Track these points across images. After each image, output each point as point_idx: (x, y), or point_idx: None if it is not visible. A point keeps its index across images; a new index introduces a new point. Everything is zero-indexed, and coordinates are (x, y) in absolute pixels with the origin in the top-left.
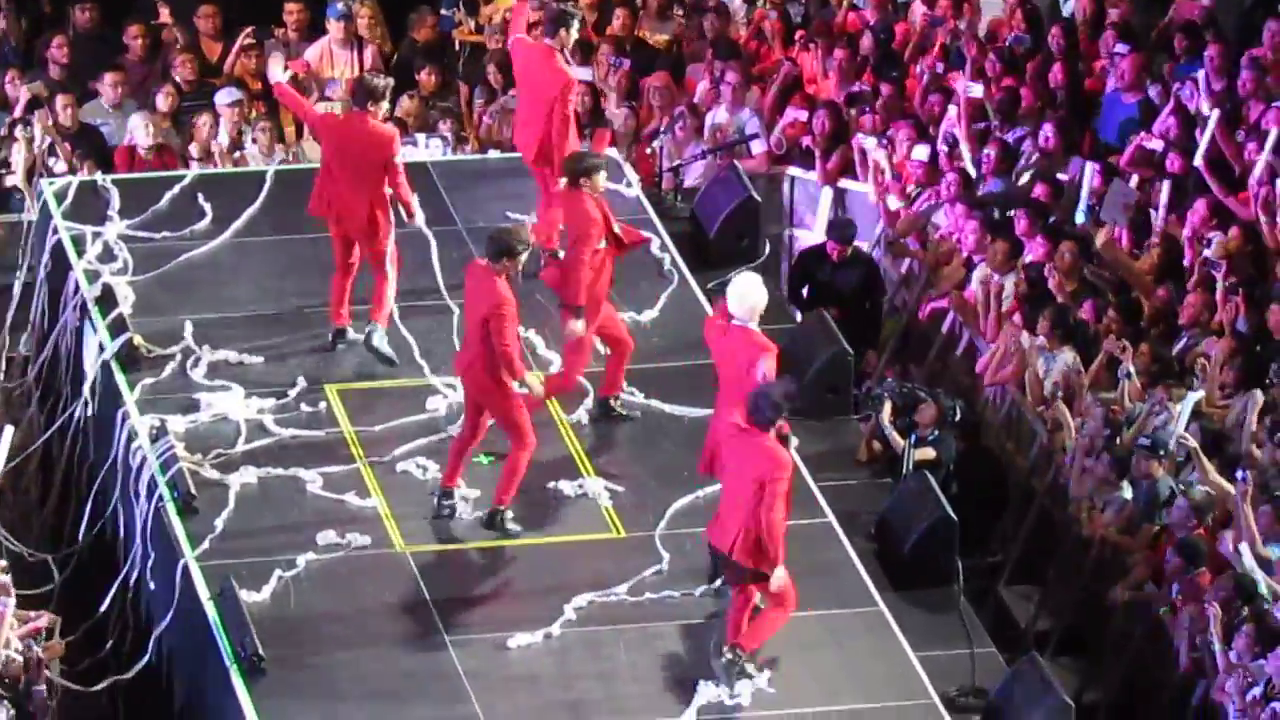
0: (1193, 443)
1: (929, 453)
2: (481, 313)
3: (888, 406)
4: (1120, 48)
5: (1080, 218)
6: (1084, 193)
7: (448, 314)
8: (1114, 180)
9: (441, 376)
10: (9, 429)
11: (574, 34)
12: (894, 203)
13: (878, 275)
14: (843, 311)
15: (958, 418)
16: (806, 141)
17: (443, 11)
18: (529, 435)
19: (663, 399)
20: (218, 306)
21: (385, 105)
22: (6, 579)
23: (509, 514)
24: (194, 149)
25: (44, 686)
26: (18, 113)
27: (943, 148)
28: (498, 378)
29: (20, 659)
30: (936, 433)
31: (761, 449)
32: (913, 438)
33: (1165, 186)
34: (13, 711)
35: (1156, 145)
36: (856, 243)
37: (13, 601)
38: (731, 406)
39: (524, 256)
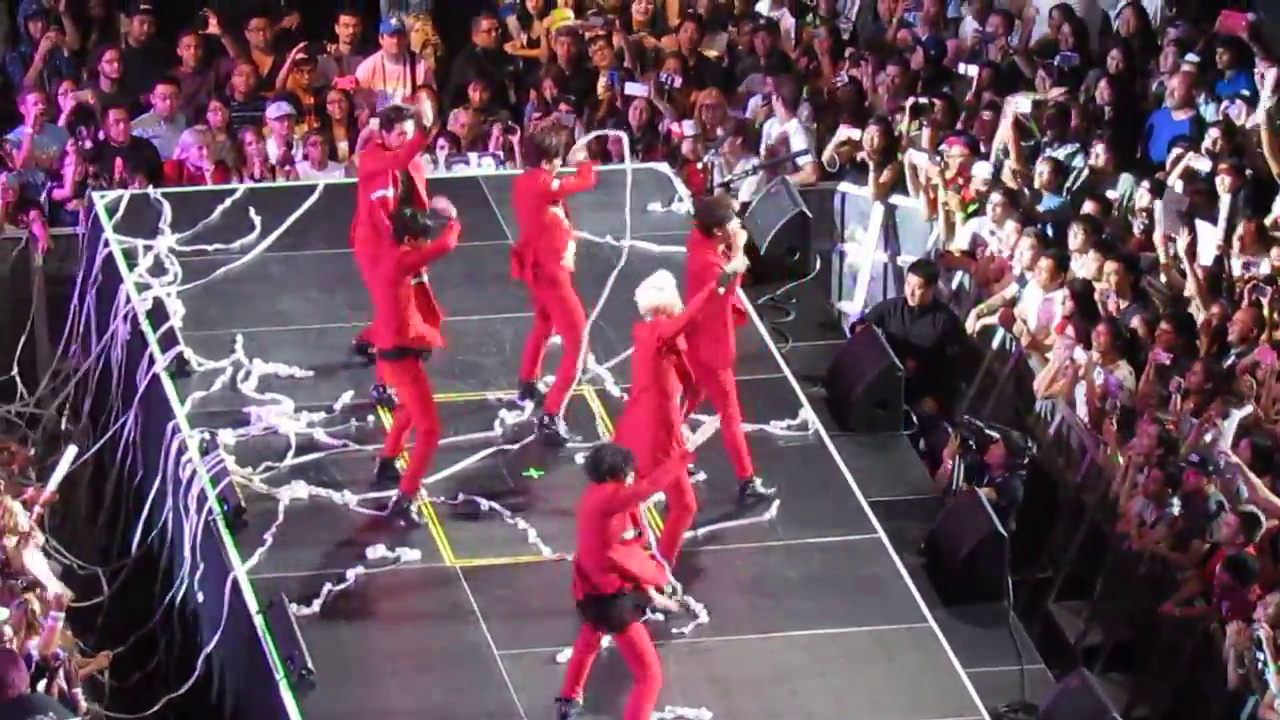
0: (1235, 459)
1: (992, 495)
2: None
3: (954, 442)
4: (1189, 57)
5: None
6: None
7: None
8: (1165, 190)
9: (491, 392)
10: (72, 448)
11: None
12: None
13: (956, 325)
14: (919, 364)
15: (1026, 460)
16: (859, 156)
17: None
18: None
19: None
20: (268, 320)
21: (559, 163)
22: (62, 591)
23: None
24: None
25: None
26: (62, 122)
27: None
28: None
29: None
30: (1005, 476)
31: None
32: (984, 478)
33: (1225, 202)
34: None
35: (1203, 166)
36: (906, 256)
37: (63, 615)
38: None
39: (732, 225)
